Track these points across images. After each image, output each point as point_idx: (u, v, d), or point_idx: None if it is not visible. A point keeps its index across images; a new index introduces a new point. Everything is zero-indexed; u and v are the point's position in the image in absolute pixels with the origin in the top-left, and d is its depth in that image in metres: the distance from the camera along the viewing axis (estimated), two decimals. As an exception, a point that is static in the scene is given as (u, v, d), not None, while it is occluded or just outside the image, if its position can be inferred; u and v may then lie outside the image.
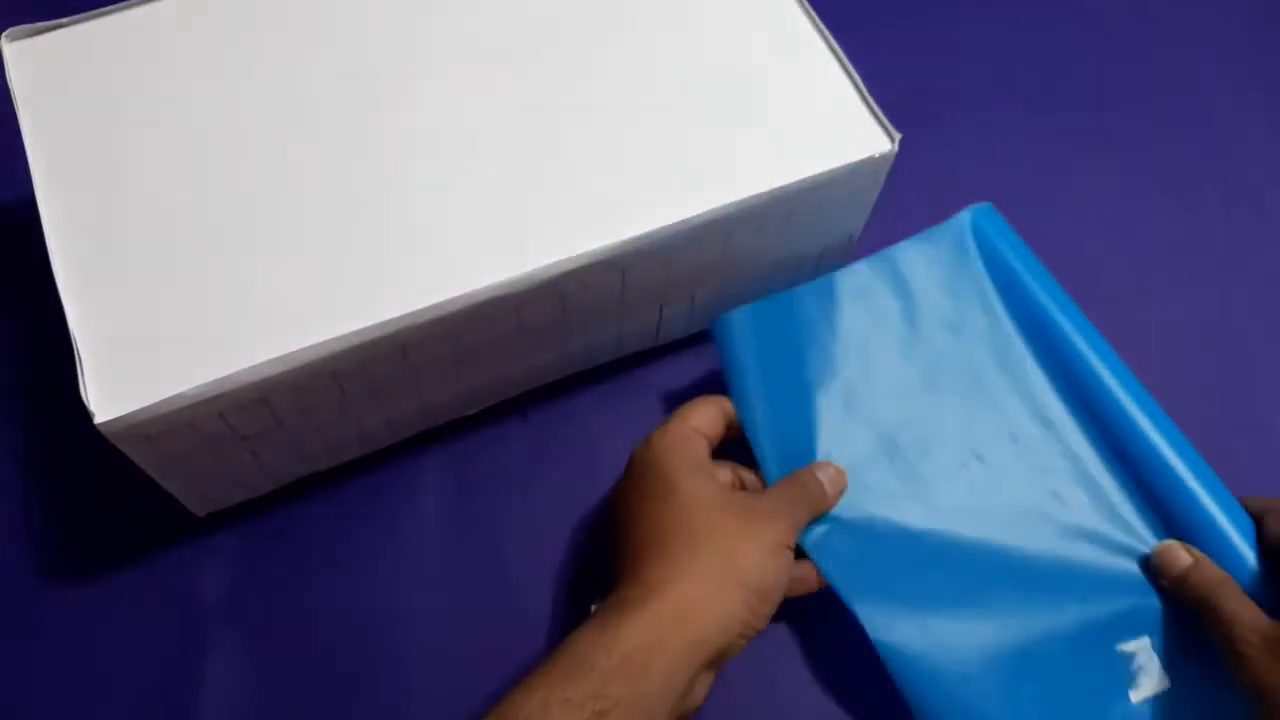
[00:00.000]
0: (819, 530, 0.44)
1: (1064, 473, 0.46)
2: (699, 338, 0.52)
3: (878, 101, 0.45)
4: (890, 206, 0.50)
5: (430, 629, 0.45)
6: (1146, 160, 0.59)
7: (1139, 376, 0.47)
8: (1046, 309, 0.48)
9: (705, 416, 0.43)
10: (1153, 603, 0.44)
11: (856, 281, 0.48)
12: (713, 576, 0.38)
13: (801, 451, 0.45)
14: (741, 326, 0.47)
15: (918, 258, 0.49)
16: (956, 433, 0.47)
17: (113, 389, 0.38)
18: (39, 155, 0.43)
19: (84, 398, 0.37)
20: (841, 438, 0.46)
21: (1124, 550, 0.45)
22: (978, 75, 0.62)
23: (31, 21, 0.45)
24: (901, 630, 0.42)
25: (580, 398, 0.51)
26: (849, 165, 0.44)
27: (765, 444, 0.45)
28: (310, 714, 0.43)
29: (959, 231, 0.49)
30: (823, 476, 0.43)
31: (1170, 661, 0.43)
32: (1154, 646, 0.43)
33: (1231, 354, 0.53)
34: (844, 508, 0.45)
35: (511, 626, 0.45)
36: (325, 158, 0.43)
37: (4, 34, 0.45)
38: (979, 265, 0.49)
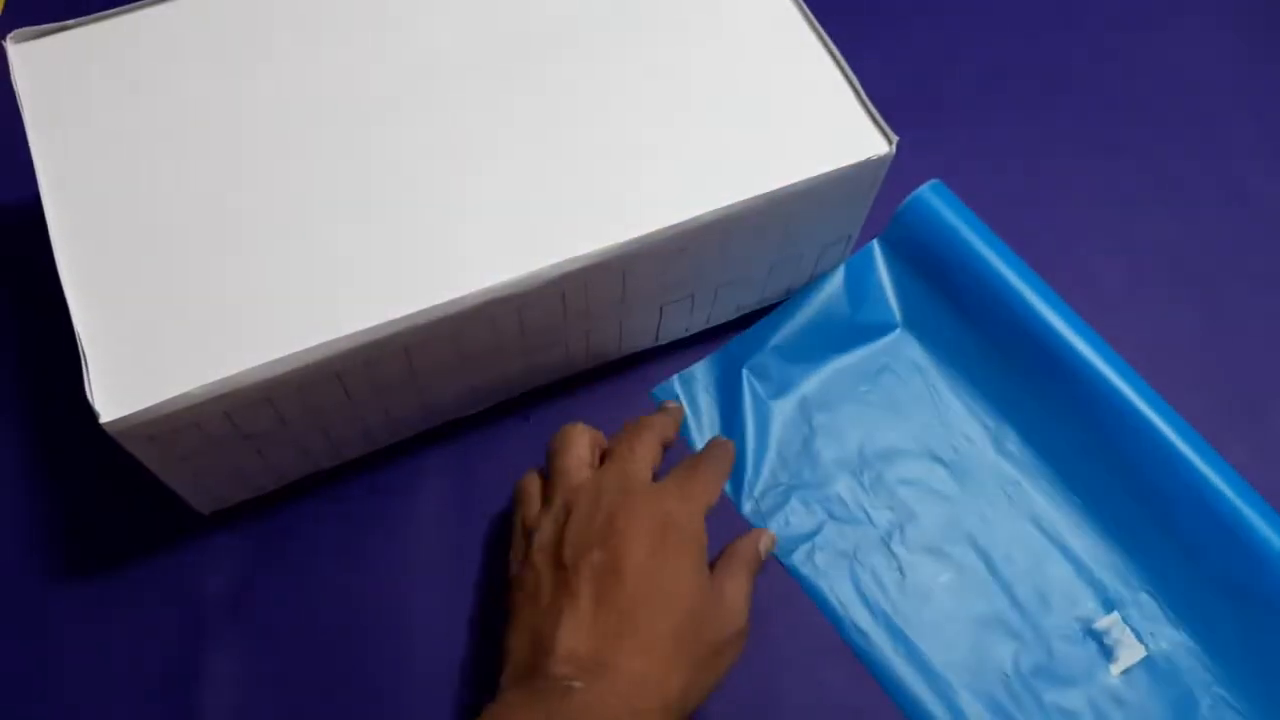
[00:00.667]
0: (803, 552, 0.47)
1: (1017, 463, 0.49)
2: (698, 338, 0.52)
3: (876, 105, 0.45)
4: (889, 207, 0.51)
5: (433, 628, 0.45)
6: (1143, 162, 0.60)
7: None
8: (988, 294, 0.50)
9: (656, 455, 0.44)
10: (1114, 577, 0.46)
11: (777, 324, 0.52)
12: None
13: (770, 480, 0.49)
14: (690, 383, 0.50)
15: (827, 291, 0.52)
16: (913, 441, 0.49)
17: (118, 389, 0.38)
18: (44, 156, 0.43)
19: (89, 398, 0.38)
20: (806, 461, 0.49)
21: (1082, 533, 0.47)
22: (975, 78, 0.62)
23: (37, 24, 0.46)
24: (881, 632, 0.45)
25: (581, 398, 0.51)
26: (847, 167, 0.44)
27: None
28: (312, 712, 0.44)
29: (866, 257, 0.53)
30: (763, 547, 0.44)
31: (1143, 630, 0.45)
32: (1124, 619, 0.45)
33: (1229, 356, 0.53)
34: (817, 524, 0.48)
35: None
36: (330, 160, 0.43)
37: (9, 36, 0.45)
38: (887, 292, 0.52)
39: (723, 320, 0.52)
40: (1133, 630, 0.45)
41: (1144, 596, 0.46)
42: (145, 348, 0.39)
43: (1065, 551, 0.47)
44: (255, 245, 0.41)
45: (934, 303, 0.51)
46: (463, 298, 0.40)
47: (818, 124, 0.45)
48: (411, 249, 0.41)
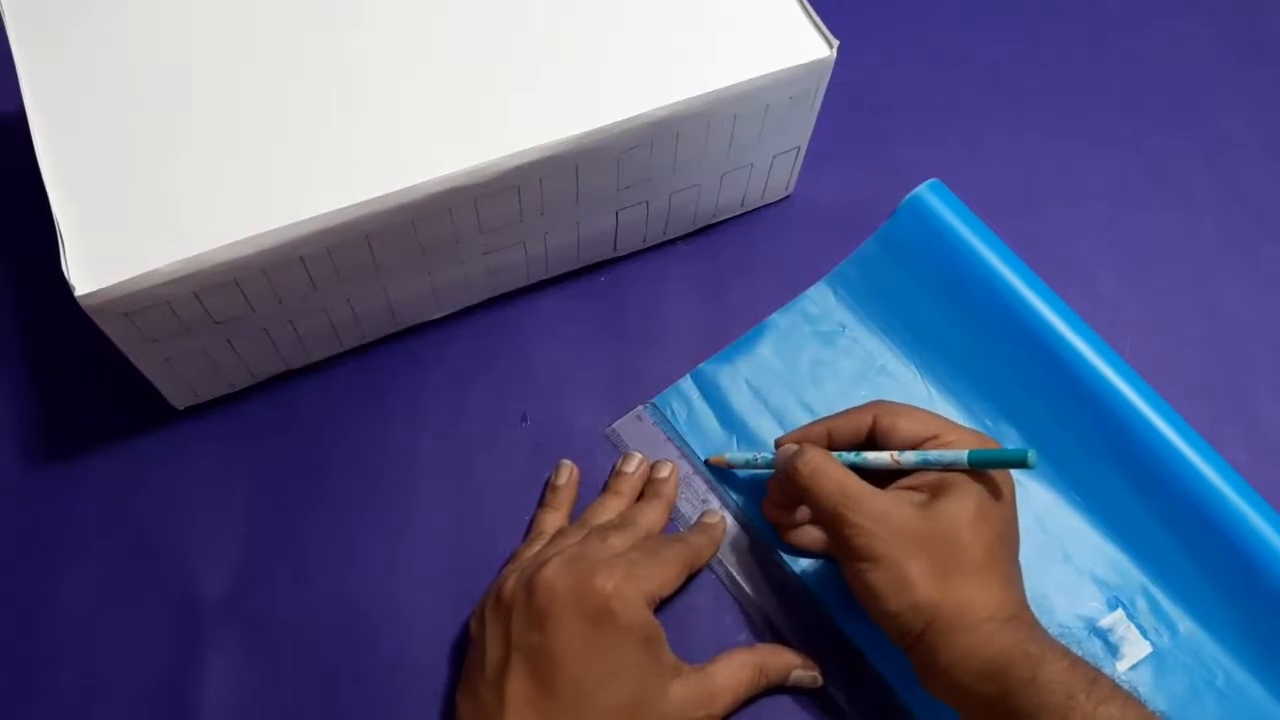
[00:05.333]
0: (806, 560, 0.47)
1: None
2: (654, 250, 0.55)
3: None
4: (888, 206, 0.52)
5: (431, 626, 0.46)
6: (1141, 161, 0.60)
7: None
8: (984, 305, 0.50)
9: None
10: (1117, 575, 0.47)
11: (777, 331, 0.52)
12: None
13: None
14: (683, 393, 0.51)
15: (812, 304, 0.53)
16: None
17: (92, 266, 0.40)
18: (24, 53, 0.45)
19: (66, 274, 0.40)
20: None
21: (1083, 531, 0.47)
22: (975, 77, 0.62)
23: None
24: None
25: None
26: (790, 69, 0.46)
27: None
28: (309, 713, 0.44)
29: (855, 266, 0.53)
30: (795, 676, 0.44)
31: (1147, 626, 0.46)
32: (1128, 616, 0.46)
33: (1223, 354, 0.53)
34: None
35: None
36: (294, 56, 0.46)
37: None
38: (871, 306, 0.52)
39: (680, 233, 0.55)
40: (1137, 627, 0.45)
41: (1147, 593, 0.46)
42: (119, 231, 0.41)
43: (1067, 551, 0.47)
44: (224, 137, 0.44)
45: (932, 302, 0.51)
46: (419, 185, 0.42)
47: (761, 28, 0.47)
48: (371, 141, 0.44)
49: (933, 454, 0.41)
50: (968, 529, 0.39)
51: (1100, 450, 0.48)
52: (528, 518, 0.48)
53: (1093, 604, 0.46)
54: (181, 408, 0.49)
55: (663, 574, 0.42)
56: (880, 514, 0.40)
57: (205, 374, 0.47)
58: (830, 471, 0.41)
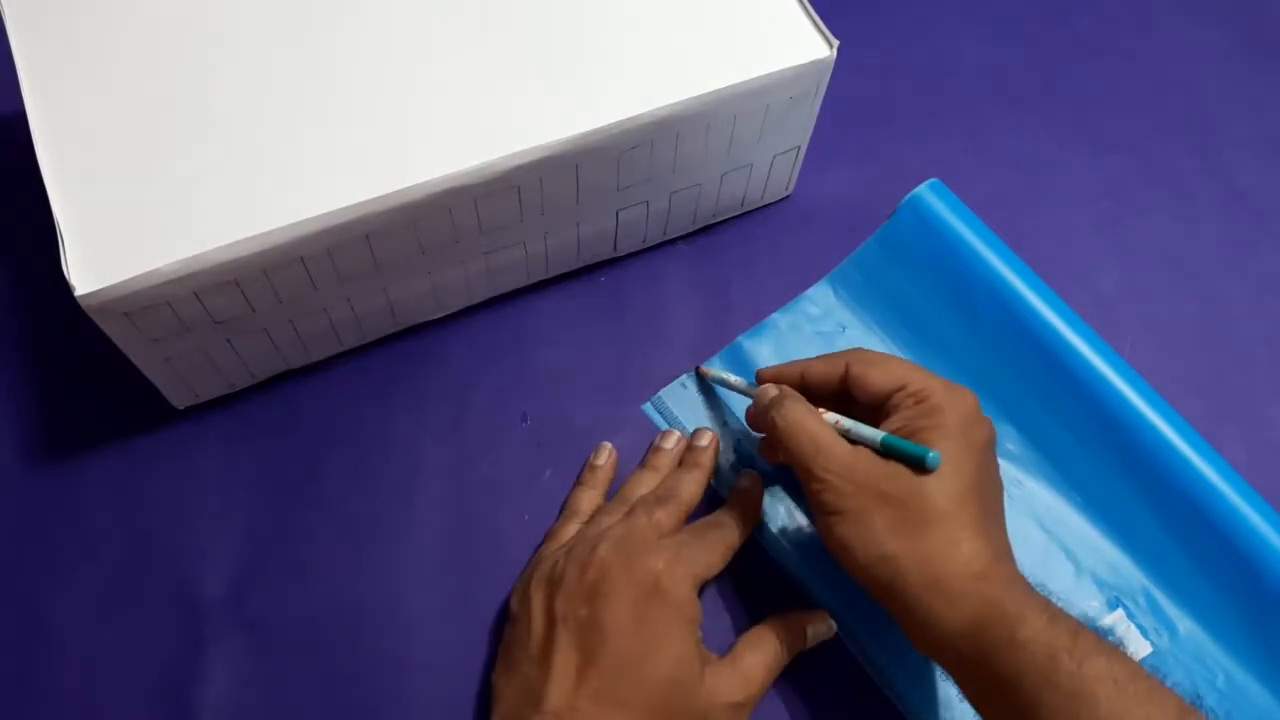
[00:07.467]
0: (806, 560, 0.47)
1: (1017, 462, 0.49)
2: (655, 249, 0.55)
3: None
4: (888, 206, 0.52)
5: (431, 626, 0.46)
6: (1140, 161, 0.60)
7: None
8: (982, 303, 0.50)
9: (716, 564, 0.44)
10: (1117, 575, 0.47)
11: (779, 330, 0.52)
12: None
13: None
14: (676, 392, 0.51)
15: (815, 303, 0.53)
16: None
17: (92, 266, 0.40)
18: (24, 53, 0.45)
19: (66, 274, 0.40)
20: None
21: (1083, 530, 0.47)
22: (975, 78, 0.62)
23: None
24: (885, 635, 0.44)
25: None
26: (790, 69, 0.46)
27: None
28: (310, 714, 0.44)
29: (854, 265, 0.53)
30: (812, 632, 0.44)
31: (1147, 627, 0.46)
32: (1128, 616, 0.46)
33: (1222, 353, 0.53)
34: (815, 530, 0.47)
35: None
36: (295, 51, 0.46)
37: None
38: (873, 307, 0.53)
39: (680, 233, 0.55)
40: (1137, 627, 0.45)
41: (1147, 593, 0.46)
42: (119, 231, 0.41)
43: (1067, 550, 0.47)
44: (224, 137, 0.44)
45: (932, 302, 0.51)
46: (419, 185, 0.42)
47: (761, 28, 0.47)
48: (371, 141, 0.44)
49: (855, 427, 0.41)
50: (933, 480, 0.39)
51: (1100, 450, 0.48)
52: (528, 517, 0.48)
53: (1093, 604, 0.46)
54: (181, 408, 0.49)
55: (708, 559, 0.43)
56: (846, 467, 0.40)
57: (205, 374, 0.47)
58: (806, 426, 0.42)
